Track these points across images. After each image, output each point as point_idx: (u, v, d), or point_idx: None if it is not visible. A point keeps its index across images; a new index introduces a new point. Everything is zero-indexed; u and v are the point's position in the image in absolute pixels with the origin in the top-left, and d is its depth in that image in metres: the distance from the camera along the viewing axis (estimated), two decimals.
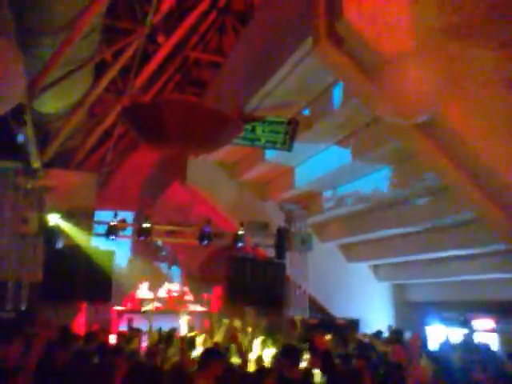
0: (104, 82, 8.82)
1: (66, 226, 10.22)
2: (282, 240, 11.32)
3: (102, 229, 10.54)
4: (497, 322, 11.33)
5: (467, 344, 9.23)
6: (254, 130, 8.55)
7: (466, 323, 11.58)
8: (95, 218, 10.90)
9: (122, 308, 12.49)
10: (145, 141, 8.13)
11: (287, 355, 4.76)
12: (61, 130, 9.56)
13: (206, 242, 10.97)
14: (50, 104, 8.92)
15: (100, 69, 8.69)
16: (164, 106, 7.08)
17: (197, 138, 7.01)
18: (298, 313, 11.42)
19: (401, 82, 5.12)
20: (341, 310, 12.09)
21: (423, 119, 5.38)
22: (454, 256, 10.99)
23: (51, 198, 10.36)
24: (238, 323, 7.15)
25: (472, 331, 11.39)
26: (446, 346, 9.34)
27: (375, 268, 13.57)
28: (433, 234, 10.60)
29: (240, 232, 10.97)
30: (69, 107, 9.13)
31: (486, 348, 8.57)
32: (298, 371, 4.56)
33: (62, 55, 7.43)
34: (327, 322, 11.27)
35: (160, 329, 9.18)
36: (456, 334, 11.02)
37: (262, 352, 6.96)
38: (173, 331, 8.68)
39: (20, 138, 8.48)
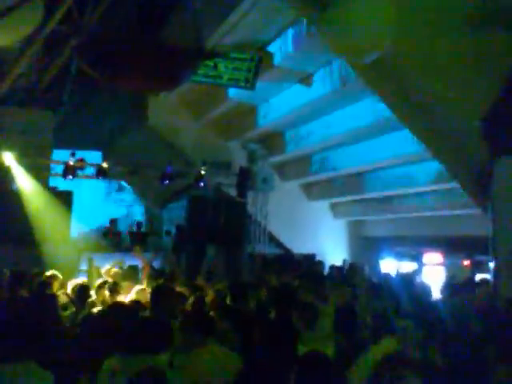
0: (58, 13, 8.39)
1: (21, 167, 9.96)
2: (244, 179, 11.46)
3: (60, 169, 10.37)
4: (444, 257, 12.09)
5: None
6: (216, 66, 8.41)
7: (416, 257, 12.29)
8: (54, 158, 10.67)
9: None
10: (99, 78, 7.90)
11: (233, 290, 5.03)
12: (14, 66, 9.13)
13: (167, 181, 10.98)
14: (0, 38, 8.46)
15: None
16: (117, 43, 6.87)
17: (151, 75, 6.86)
18: (257, 249, 11.79)
19: (350, 17, 5.08)
20: (299, 247, 12.55)
21: (373, 57, 5.42)
22: (407, 193, 11.50)
23: (5, 137, 10.01)
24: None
25: (422, 265, 12.13)
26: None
27: (333, 206, 14.03)
28: (388, 172, 11.02)
29: (202, 172, 11.02)
30: (22, 41, 8.69)
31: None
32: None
33: None
34: (285, 257, 11.69)
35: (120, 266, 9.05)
36: (407, 267, 11.72)
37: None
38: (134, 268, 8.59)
39: None
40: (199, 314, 4.35)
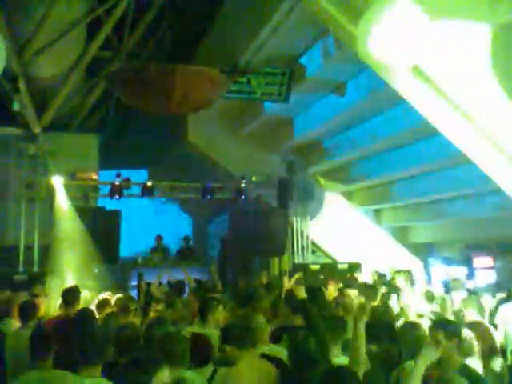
0: (98, 40, 8.76)
1: (71, 188, 10.41)
2: (284, 190, 11.54)
3: (107, 189, 10.81)
4: (494, 260, 11.67)
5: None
6: (249, 82, 8.59)
7: (466, 262, 11.93)
8: (102, 179, 11.11)
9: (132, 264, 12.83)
10: (131, 104, 8.14)
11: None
12: (58, 93, 9.59)
13: (208, 197, 11.22)
14: (47, 68, 8.90)
15: (93, 27, 8.61)
16: (146, 71, 7.10)
17: (182, 99, 7.02)
18: (301, 259, 11.80)
19: (382, 25, 5.02)
20: (344, 255, 12.43)
21: (408, 64, 5.33)
22: (452, 197, 11.20)
23: (55, 161, 10.50)
24: None
25: (472, 269, 11.76)
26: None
27: (377, 212, 13.83)
28: (432, 176, 10.80)
29: (242, 185, 11.19)
30: (66, 69, 9.11)
31: None
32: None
33: (51, 17, 7.35)
34: (329, 267, 11.61)
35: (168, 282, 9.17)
36: (457, 273, 11.40)
37: None
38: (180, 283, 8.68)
39: (15, 106, 8.57)
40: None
